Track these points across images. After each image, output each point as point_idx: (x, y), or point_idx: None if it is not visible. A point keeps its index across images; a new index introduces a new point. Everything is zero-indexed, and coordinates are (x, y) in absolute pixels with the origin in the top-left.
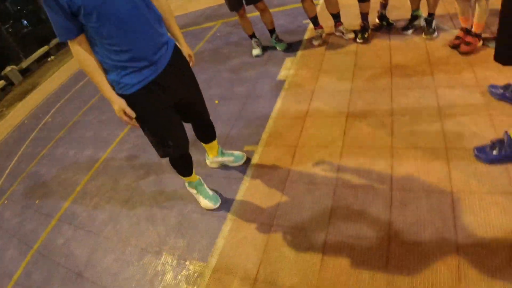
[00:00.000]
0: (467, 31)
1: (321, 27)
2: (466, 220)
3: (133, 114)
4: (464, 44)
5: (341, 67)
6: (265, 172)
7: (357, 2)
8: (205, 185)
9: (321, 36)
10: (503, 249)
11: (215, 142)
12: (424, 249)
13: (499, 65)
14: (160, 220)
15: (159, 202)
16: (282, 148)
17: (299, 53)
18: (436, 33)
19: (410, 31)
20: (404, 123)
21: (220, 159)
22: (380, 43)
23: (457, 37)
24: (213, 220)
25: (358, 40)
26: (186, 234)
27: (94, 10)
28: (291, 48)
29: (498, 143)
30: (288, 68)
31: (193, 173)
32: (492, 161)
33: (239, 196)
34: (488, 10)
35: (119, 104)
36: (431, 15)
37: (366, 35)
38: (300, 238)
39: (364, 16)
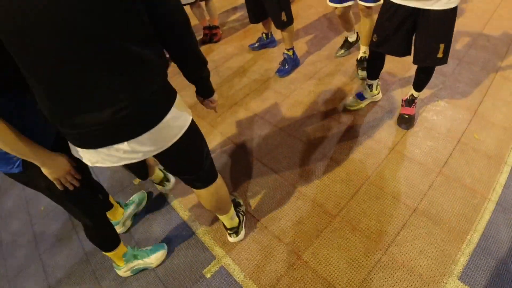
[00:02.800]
0: (209, 27)
1: None
2: None
3: (78, 175)
4: (213, 35)
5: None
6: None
7: None
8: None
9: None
10: None
11: (115, 207)
12: None
13: (243, 36)
14: None
15: None
16: None
17: None
18: None
19: None
20: (226, 87)
21: (128, 212)
22: None
23: (205, 34)
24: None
25: None
26: None
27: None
28: None
29: (284, 62)
30: None
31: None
32: (289, 72)
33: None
34: (216, 7)
35: (64, 156)
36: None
37: None
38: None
39: None
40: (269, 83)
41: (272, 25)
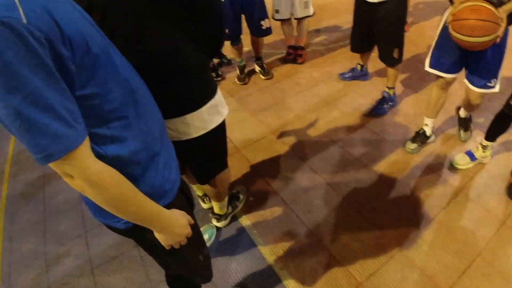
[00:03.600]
0: (295, 47)
1: None
2: None
3: (191, 220)
4: (298, 56)
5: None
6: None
7: None
8: None
9: None
10: None
11: None
12: None
13: (330, 62)
14: None
15: None
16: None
17: None
18: (270, 74)
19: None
20: (313, 119)
21: None
22: (234, 75)
23: (289, 53)
24: None
25: (216, 79)
26: None
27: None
28: None
29: (382, 100)
30: None
31: None
32: (386, 112)
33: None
34: (307, 28)
35: (182, 214)
36: (259, 59)
37: (219, 73)
38: None
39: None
40: (363, 120)
41: (369, 58)
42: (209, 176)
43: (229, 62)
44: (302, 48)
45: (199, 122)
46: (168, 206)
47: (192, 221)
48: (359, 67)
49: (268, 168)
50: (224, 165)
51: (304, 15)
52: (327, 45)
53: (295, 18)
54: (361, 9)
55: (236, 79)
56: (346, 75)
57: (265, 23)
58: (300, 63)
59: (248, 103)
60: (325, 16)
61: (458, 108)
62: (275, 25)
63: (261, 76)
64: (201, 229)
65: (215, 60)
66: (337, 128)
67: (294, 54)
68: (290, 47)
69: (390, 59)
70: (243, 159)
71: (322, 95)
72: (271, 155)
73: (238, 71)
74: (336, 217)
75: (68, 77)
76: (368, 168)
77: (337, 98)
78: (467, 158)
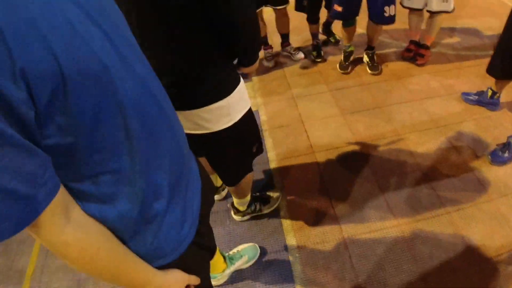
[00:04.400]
0: (418, 44)
1: (271, 47)
2: None
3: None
4: (419, 56)
5: (314, 89)
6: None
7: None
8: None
9: (272, 57)
10: None
11: (217, 257)
12: None
13: (455, 73)
14: None
15: None
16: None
17: (255, 78)
18: (378, 69)
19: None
20: (412, 141)
21: (231, 269)
22: (337, 59)
23: (408, 50)
24: None
25: (316, 59)
26: None
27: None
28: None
29: (506, 146)
30: (252, 96)
31: None
32: (505, 162)
33: None
34: (440, 25)
35: (178, 281)
36: (371, 48)
37: (322, 53)
38: None
39: (315, 35)
40: (473, 163)
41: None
42: (235, 181)
43: (337, 43)
44: (427, 48)
45: (223, 113)
46: (169, 264)
47: (197, 282)
48: (490, 92)
49: (338, 185)
50: (249, 168)
51: (441, 9)
52: (459, 50)
53: (427, 11)
54: None
55: (337, 66)
56: (471, 97)
57: (389, 10)
58: (420, 65)
59: (342, 98)
60: (464, 14)
61: None
62: (401, 12)
63: (367, 69)
64: (242, 247)
65: (321, 36)
66: (437, 162)
67: (414, 52)
68: (412, 42)
69: None
70: (313, 163)
71: (434, 113)
72: (347, 170)
73: (342, 57)
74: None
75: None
76: (460, 229)
77: (450, 123)
78: None
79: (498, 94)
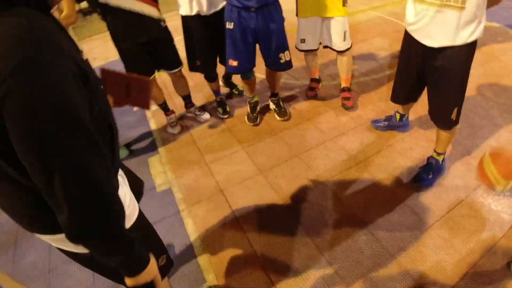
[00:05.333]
0: (318, 81)
1: (173, 112)
2: None
3: None
4: (346, 100)
5: (226, 150)
6: None
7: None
8: None
9: (176, 122)
10: None
11: None
12: None
13: (360, 102)
14: None
15: None
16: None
17: (161, 149)
18: (287, 114)
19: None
20: (336, 185)
21: None
22: (244, 111)
23: (311, 88)
24: None
25: (222, 116)
26: None
27: None
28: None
29: (428, 167)
30: (162, 171)
31: None
32: (432, 183)
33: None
34: (351, 62)
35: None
36: (275, 95)
37: (227, 108)
38: None
39: (217, 91)
40: (401, 193)
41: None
42: None
43: (241, 93)
44: (349, 90)
45: None
46: None
47: None
48: (398, 116)
49: (275, 258)
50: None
51: (345, 48)
52: (358, 77)
53: (336, 50)
54: (411, 52)
55: (246, 119)
56: (381, 124)
57: (284, 56)
58: (351, 108)
59: (257, 154)
60: (355, 40)
61: None
62: (296, 50)
63: (276, 116)
64: None
65: (223, 90)
66: (368, 201)
67: (344, 98)
68: (313, 80)
69: (446, 121)
70: (240, 236)
71: (351, 149)
72: (279, 236)
73: (249, 109)
74: None
75: None
76: (409, 271)
77: (369, 156)
78: None
79: (406, 116)
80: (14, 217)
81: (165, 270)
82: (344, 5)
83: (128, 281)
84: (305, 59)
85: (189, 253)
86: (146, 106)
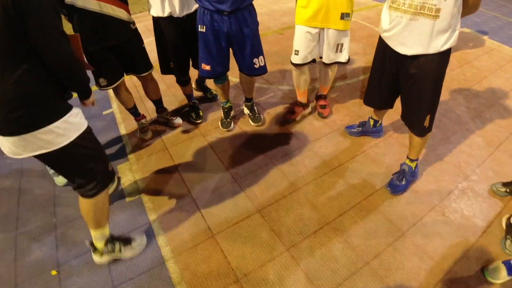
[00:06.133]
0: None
1: (144, 116)
2: None
3: None
4: (322, 108)
5: (199, 157)
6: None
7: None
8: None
9: (147, 127)
10: None
11: None
12: None
13: (334, 108)
14: None
15: None
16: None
17: (131, 156)
18: (261, 119)
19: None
20: (311, 193)
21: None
22: (218, 116)
23: (292, 111)
24: None
25: (196, 121)
26: None
27: None
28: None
29: (401, 174)
30: (131, 179)
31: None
32: (405, 190)
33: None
34: (335, 74)
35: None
36: (249, 100)
37: (200, 113)
38: None
39: (190, 96)
40: (375, 199)
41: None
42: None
43: (214, 98)
44: (325, 97)
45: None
46: None
47: None
48: (371, 121)
49: (251, 272)
50: (93, 177)
51: (334, 61)
52: (332, 82)
53: (323, 62)
54: (385, 58)
55: (219, 124)
56: (354, 130)
57: (259, 61)
58: (326, 117)
59: (231, 161)
60: None
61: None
62: (268, 55)
63: (250, 121)
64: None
65: (197, 93)
66: (342, 208)
67: (320, 106)
68: (300, 104)
69: (419, 128)
70: (216, 250)
71: (325, 155)
72: (254, 247)
73: (222, 114)
74: None
75: None
76: (384, 279)
77: (343, 162)
78: (505, 272)
79: (380, 122)
80: (27, 108)
81: (111, 176)
82: (342, 18)
83: (86, 101)
84: (293, 76)
85: (160, 266)
86: (81, 56)
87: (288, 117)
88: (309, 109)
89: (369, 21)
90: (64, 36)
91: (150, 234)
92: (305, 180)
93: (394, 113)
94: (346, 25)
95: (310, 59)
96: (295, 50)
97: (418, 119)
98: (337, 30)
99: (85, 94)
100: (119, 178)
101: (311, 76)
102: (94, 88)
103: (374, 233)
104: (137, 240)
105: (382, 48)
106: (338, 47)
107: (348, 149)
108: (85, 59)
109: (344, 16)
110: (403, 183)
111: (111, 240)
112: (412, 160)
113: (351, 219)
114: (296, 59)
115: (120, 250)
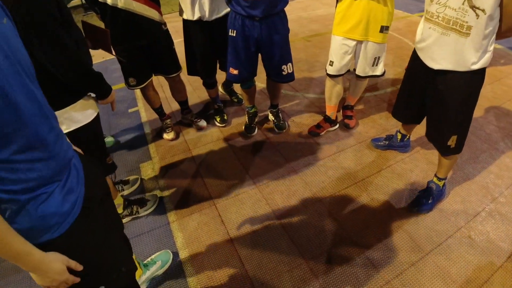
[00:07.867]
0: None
1: (169, 117)
2: None
3: (80, 266)
4: (348, 119)
5: (222, 161)
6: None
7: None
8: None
9: (172, 127)
10: None
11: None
12: None
13: (361, 119)
14: None
15: None
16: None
17: (154, 155)
18: (285, 126)
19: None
20: (333, 205)
21: (147, 274)
22: (242, 121)
23: (318, 126)
24: None
25: (219, 124)
26: None
27: None
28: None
29: (428, 192)
30: (153, 179)
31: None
32: (431, 209)
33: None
34: (365, 86)
35: (58, 260)
36: (275, 106)
37: (225, 117)
38: None
39: (216, 99)
40: (400, 217)
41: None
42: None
43: (240, 102)
44: (352, 108)
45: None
46: (56, 239)
47: (79, 267)
48: (399, 136)
49: (265, 278)
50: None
51: (369, 75)
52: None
53: (356, 75)
54: (416, 71)
55: (243, 129)
56: (381, 143)
57: (287, 68)
58: (353, 127)
59: (253, 167)
60: None
61: None
62: (295, 61)
63: (274, 128)
64: (155, 255)
65: (223, 96)
66: (365, 224)
67: (345, 116)
68: (327, 120)
69: (442, 147)
70: (232, 254)
71: (349, 168)
72: (272, 257)
73: (247, 119)
74: None
75: None
76: None
77: (367, 176)
78: None
79: (407, 137)
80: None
81: (112, 168)
82: (382, 31)
83: (102, 101)
84: (326, 87)
85: (177, 269)
86: (108, 50)
87: (313, 130)
88: (336, 127)
89: (398, 32)
90: (68, 46)
91: (168, 235)
92: (328, 192)
93: (422, 128)
94: (384, 38)
95: (344, 71)
96: (330, 61)
97: (441, 137)
98: (376, 43)
99: (100, 96)
100: (141, 179)
101: (343, 89)
102: (119, 86)
103: (397, 251)
104: (151, 200)
105: (415, 60)
106: (375, 61)
107: (374, 163)
108: (113, 53)
109: (383, 29)
110: (430, 201)
111: (128, 204)
112: (440, 179)
113: (373, 235)
114: (330, 70)
115: (137, 212)
